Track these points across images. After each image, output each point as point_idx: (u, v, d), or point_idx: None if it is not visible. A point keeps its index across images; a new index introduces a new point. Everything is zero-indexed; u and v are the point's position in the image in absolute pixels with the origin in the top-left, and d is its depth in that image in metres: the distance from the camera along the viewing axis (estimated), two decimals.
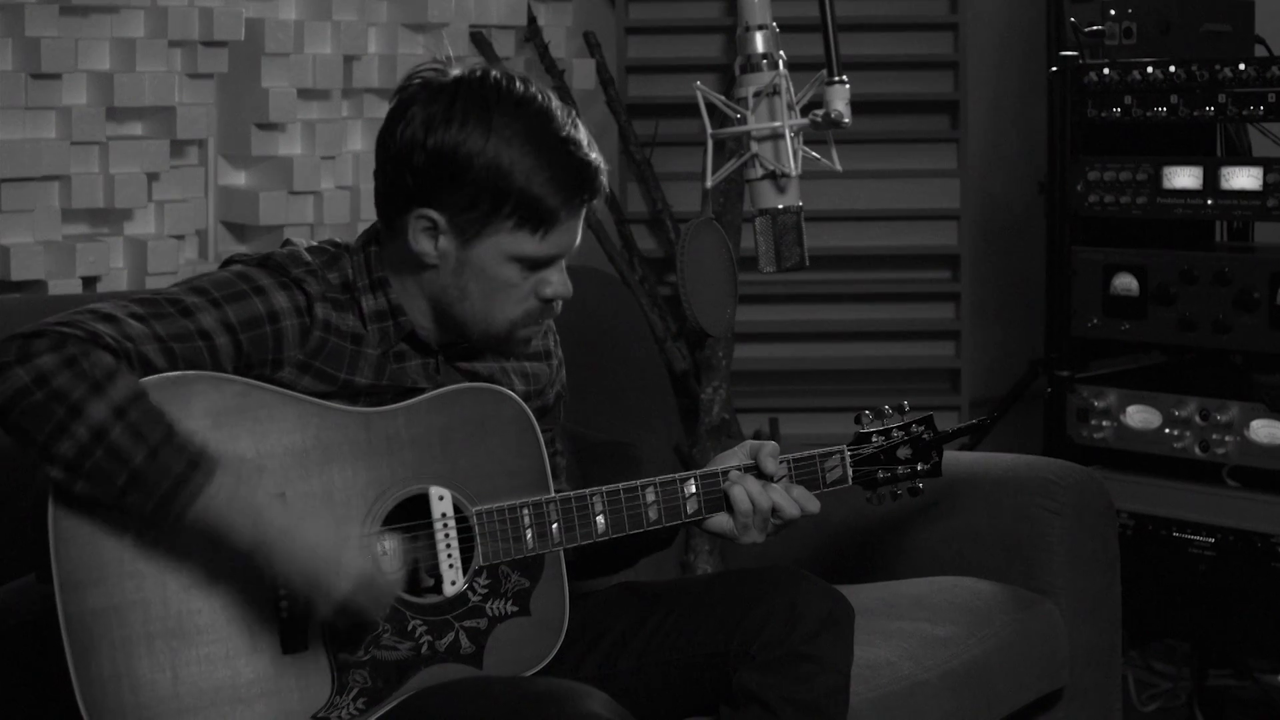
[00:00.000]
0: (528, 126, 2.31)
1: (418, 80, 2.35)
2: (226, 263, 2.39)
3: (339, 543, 2.18)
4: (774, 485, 2.49)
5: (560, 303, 2.41)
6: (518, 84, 2.34)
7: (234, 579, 2.20)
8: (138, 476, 2.09)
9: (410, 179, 2.31)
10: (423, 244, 2.33)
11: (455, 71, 2.35)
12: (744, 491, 2.47)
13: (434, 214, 2.31)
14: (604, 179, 2.38)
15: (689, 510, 2.48)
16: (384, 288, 2.39)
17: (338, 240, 2.45)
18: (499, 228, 2.31)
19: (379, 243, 2.42)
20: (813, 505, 2.51)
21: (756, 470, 2.50)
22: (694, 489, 2.47)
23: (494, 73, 2.35)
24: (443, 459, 2.34)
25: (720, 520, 2.50)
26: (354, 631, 2.24)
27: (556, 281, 2.38)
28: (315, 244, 2.42)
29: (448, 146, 2.29)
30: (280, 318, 2.31)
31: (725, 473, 2.49)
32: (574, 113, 2.39)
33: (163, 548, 2.17)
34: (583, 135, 2.36)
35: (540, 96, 2.35)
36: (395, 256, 2.39)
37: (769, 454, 2.50)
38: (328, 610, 2.18)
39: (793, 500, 2.49)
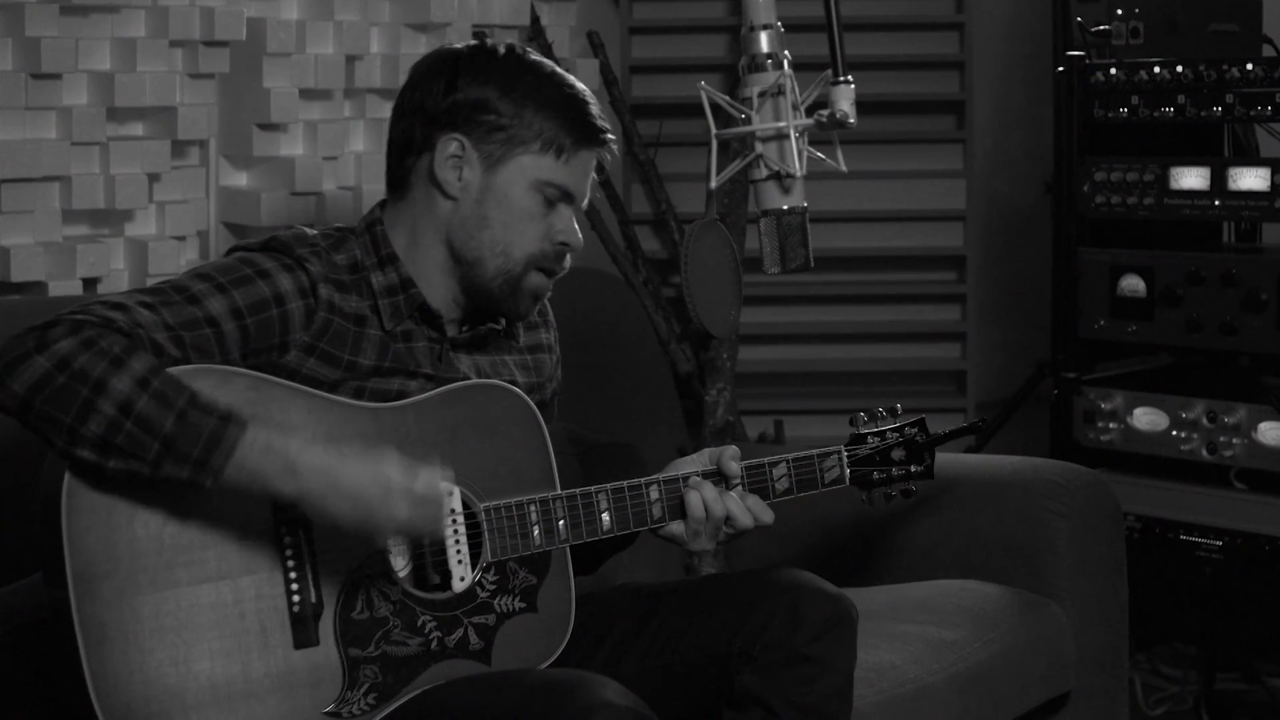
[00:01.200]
0: (552, 73, 2.46)
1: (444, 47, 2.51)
2: (230, 251, 2.41)
3: (377, 465, 2.18)
4: (730, 494, 2.49)
5: (569, 260, 2.48)
6: (537, 54, 2.50)
7: (246, 574, 2.21)
8: (170, 442, 2.09)
9: (439, 111, 2.42)
10: (446, 173, 2.42)
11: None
12: (699, 498, 2.47)
13: (459, 136, 2.41)
14: (613, 145, 2.50)
15: (654, 515, 2.48)
16: (394, 263, 2.43)
17: (341, 225, 2.49)
18: (526, 149, 2.42)
19: (383, 222, 2.47)
20: (766, 516, 2.51)
21: (716, 474, 2.50)
22: (656, 494, 2.48)
23: (514, 44, 2.50)
24: (451, 455, 2.34)
25: (673, 527, 2.50)
26: (418, 548, 2.29)
27: (570, 228, 2.46)
28: (320, 230, 2.46)
29: (480, 74, 2.42)
30: (286, 300, 2.33)
31: (685, 478, 2.49)
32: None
33: (176, 542, 2.17)
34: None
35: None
36: (406, 222, 2.46)
37: (730, 456, 2.51)
38: (389, 537, 2.21)
39: (747, 510, 2.49)
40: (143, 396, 2.09)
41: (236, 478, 2.12)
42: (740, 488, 2.51)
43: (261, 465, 2.13)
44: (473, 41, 2.49)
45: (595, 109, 2.46)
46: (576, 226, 2.47)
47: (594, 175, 2.50)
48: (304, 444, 2.16)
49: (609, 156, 2.50)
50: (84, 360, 2.09)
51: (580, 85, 2.47)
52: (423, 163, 2.44)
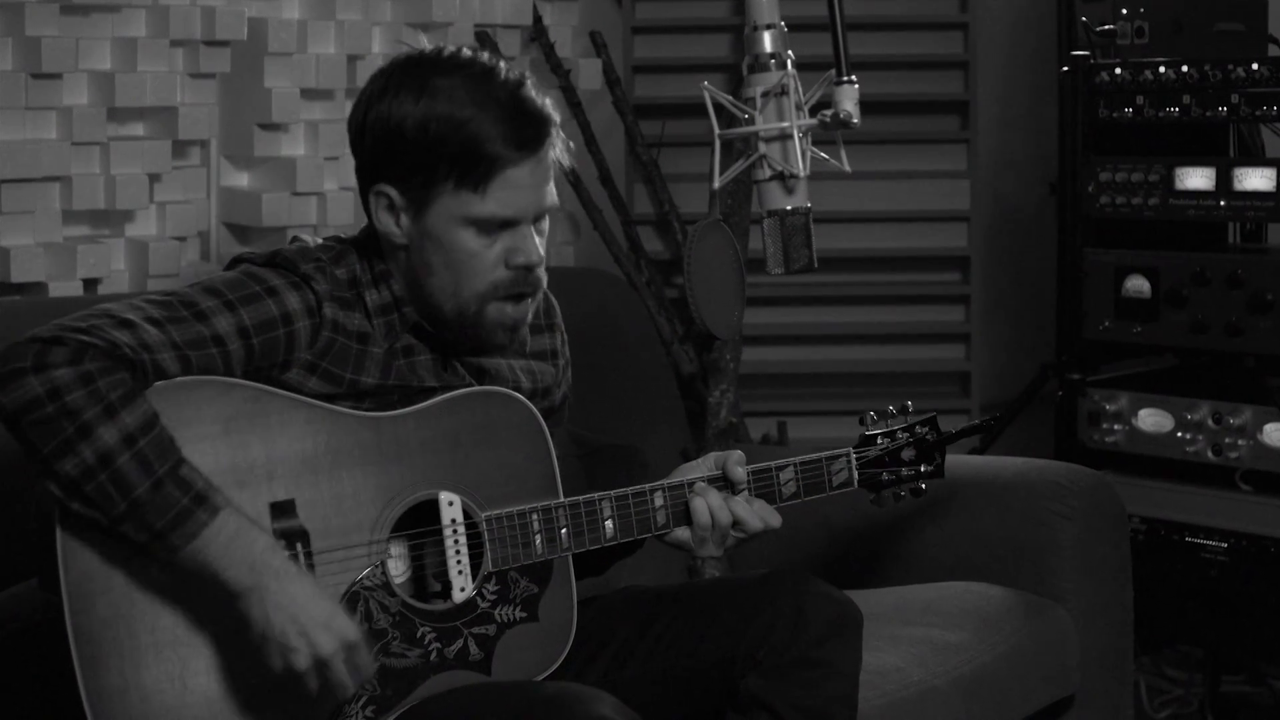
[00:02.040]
0: (463, 81, 2.30)
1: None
2: (233, 263, 2.38)
3: (333, 602, 2.17)
4: (736, 499, 2.47)
5: (538, 275, 2.36)
6: (465, 52, 2.34)
7: None
8: (137, 507, 2.08)
9: (362, 158, 2.35)
10: (386, 224, 2.34)
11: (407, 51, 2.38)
12: (704, 504, 2.45)
13: (386, 188, 2.32)
14: (552, 129, 2.34)
15: (658, 522, 2.46)
16: (386, 280, 2.38)
17: (343, 236, 2.45)
18: (441, 190, 2.29)
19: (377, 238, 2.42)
20: (774, 520, 2.49)
21: (722, 480, 2.49)
22: (661, 501, 2.46)
23: (445, 47, 2.36)
24: (452, 463, 2.34)
25: (679, 533, 2.48)
26: (321, 695, 2.19)
27: (524, 247, 2.33)
28: (321, 240, 2.42)
29: (382, 116, 2.30)
30: (293, 319, 2.30)
31: (690, 484, 2.47)
32: (526, 74, 2.36)
33: None
34: (530, 90, 2.33)
35: (488, 61, 2.34)
36: (385, 249, 2.39)
37: (735, 462, 2.49)
38: (306, 663, 2.14)
39: (755, 514, 2.47)
40: (125, 454, 2.07)
41: (191, 560, 2.11)
42: (747, 492, 2.49)
43: (221, 555, 2.11)
44: (398, 56, 2.37)
45: (519, 110, 2.30)
46: (534, 243, 2.34)
47: (556, 164, 2.36)
48: (270, 544, 2.14)
49: (554, 153, 2.34)
50: (78, 397, 2.06)
51: (501, 83, 2.31)
52: (369, 208, 2.37)
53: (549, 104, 2.35)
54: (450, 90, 2.28)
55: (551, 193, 2.36)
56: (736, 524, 2.46)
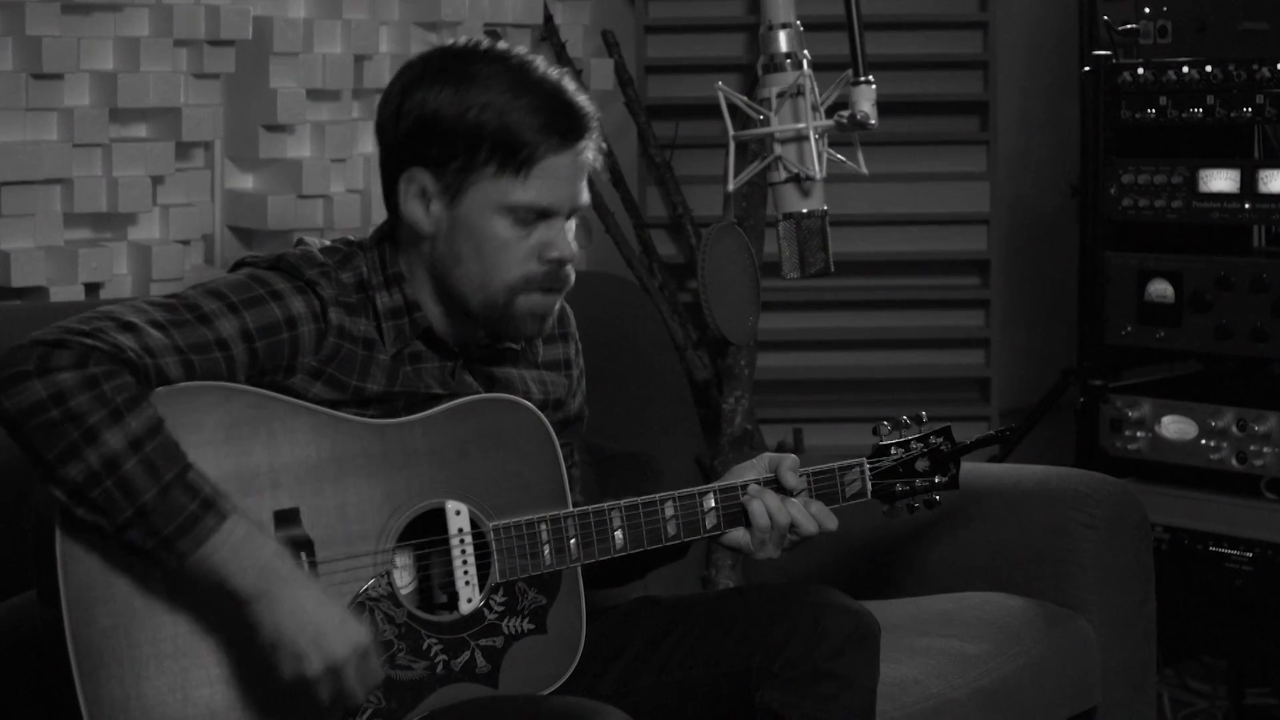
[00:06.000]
0: (505, 69, 2.33)
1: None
2: (237, 265, 2.38)
3: (342, 607, 2.16)
4: (793, 500, 2.47)
5: (569, 271, 2.37)
6: (502, 44, 2.37)
7: None
8: (144, 513, 2.06)
9: (395, 143, 2.35)
10: (415, 211, 2.34)
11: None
12: (762, 506, 2.45)
13: (420, 173, 2.33)
14: (594, 124, 2.36)
15: (708, 525, 2.46)
16: (399, 283, 2.38)
17: (351, 238, 2.45)
18: (480, 175, 2.30)
19: (392, 239, 2.41)
20: (831, 523, 2.49)
21: (776, 484, 2.48)
22: (713, 503, 2.46)
23: (481, 40, 2.39)
24: (459, 472, 2.33)
25: (736, 535, 2.48)
26: (332, 703, 2.16)
27: (558, 242, 2.34)
28: (328, 243, 2.41)
29: (422, 101, 2.32)
30: (298, 324, 2.29)
31: (744, 486, 2.47)
32: (567, 71, 2.39)
33: None
34: (570, 83, 2.36)
35: (526, 54, 2.37)
36: (405, 244, 2.39)
37: (789, 468, 2.49)
38: (318, 669, 2.12)
39: (811, 517, 2.48)
40: (131, 459, 2.05)
41: (198, 567, 2.10)
42: (805, 494, 2.49)
43: (229, 561, 2.10)
44: (435, 47, 2.39)
45: (561, 101, 2.32)
46: (569, 238, 2.37)
47: (591, 165, 2.38)
48: (278, 550, 2.13)
49: (591, 151, 2.37)
50: (82, 401, 2.05)
51: (542, 75, 2.34)
52: (396, 195, 2.37)
53: (588, 98, 2.37)
54: (494, 77, 2.31)
55: (585, 191, 2.38)
56: (792, 526, 2.46)
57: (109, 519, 2.06)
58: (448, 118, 2.30)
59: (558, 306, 2.42)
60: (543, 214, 2.32)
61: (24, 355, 2.07)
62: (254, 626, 2.11)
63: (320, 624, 2.11)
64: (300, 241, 2.40)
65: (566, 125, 2.32)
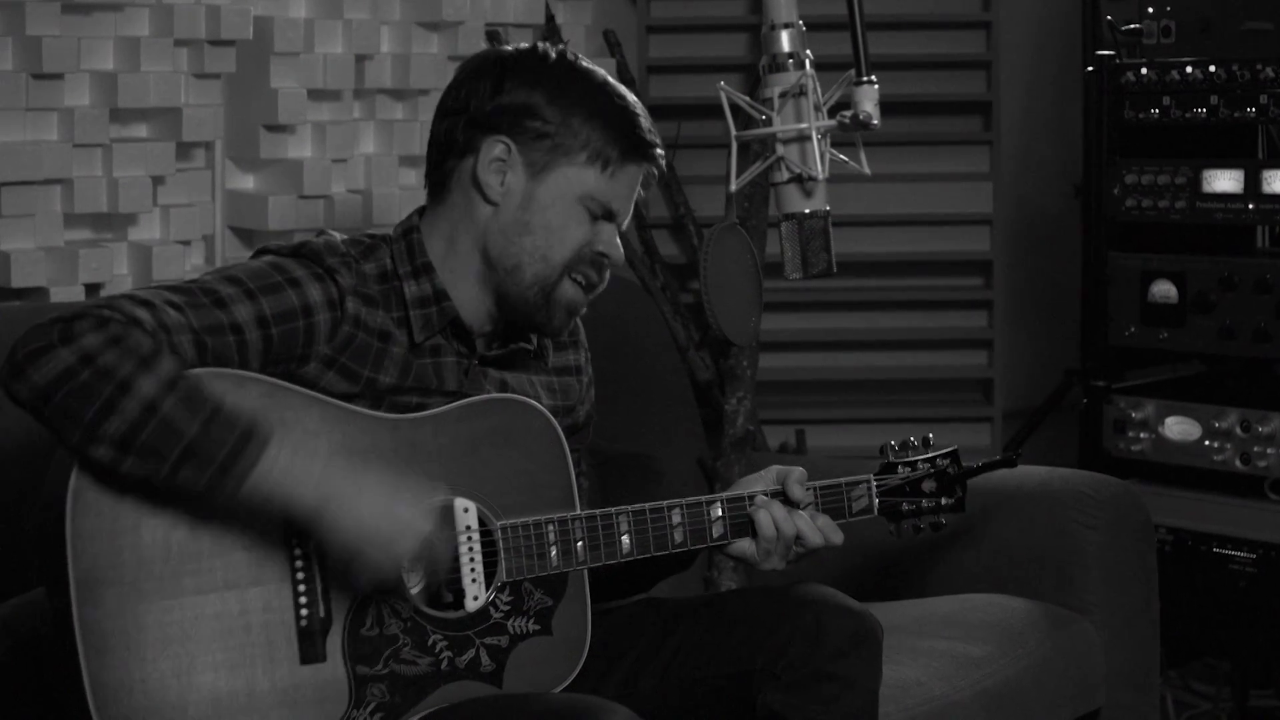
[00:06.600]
0: (603, 83, 2.45)
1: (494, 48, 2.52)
2: (258, 253, 2.40)
3: (402, 501, 2.19)
4: (799, 513, 2.48)
5: (607, 276, 2.48)
6: (589, 62, 2.50)
7: (254, 586, 2.19)
8: (192, 448, 2.07)
9: (485, 113, 2.41)
10: (489, 177, 2.41)
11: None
12: (769, 517, 2.46)
13: (508, 140, 2.40)
14: (661, 160, 2.49)
15: (714, 534, 2.47)
16: (428, 273, 2.42)
17: (374, 232, 2.48)
18: (572, 160, 2.40)
19: (420, 229, 2.45)
20: (836, 537, 2.50)
21: (783, 497, 2.49)
22: (720, 512, 2.47)
23: (566, 49, 2.51)
24: (469, 470, 2.33)
25: (742, 545, 2.49)
26: (432, 573, 2.25)
27: (611, 242, 2.44)
28: (351, 236, 2.45)
29: (532, 81, 2.41)
30: (314, 311, 2.31)
31: (751, 497, 2.48)
32: None
33: (183, 549, 2.15)
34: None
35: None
36: (443, 228, 2.44)
37: (796, 480, 2.49)
38: (415, 543, 2.17)
39: (817, 530, 2.48)
40: (169, 398, 2.07)
41: (253, 493, 2.11)
42: (812, 507, 2.51)
43: (283, 480, 2.11)
44: (524, 45, 2.47)
45: (645, 121, 2.45)
46: (619, 242, 2.46)
47: (640, 191, 2.49)
48: (327, 462, 2.15)
49: (655, 172, 2.48)
50: (110, 357, 2.07)
51: (631, 97, 2.46)
52: (465, 165, 2.42)
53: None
54: (595, 83, 2.44)
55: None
56: (798, 538, 2.47)
57: (161, 461, 2.07)
58: (553, 101, 2.40)
59: (584, 309, 2.48)
60: (608, 214, 2.43)
61: (45, 331, 2.09)
62: (331, 535, 2.14)
63: (383, 526, 2.15)
64: (323, 232, 2.43)
65: (647, 144, 2.44)
